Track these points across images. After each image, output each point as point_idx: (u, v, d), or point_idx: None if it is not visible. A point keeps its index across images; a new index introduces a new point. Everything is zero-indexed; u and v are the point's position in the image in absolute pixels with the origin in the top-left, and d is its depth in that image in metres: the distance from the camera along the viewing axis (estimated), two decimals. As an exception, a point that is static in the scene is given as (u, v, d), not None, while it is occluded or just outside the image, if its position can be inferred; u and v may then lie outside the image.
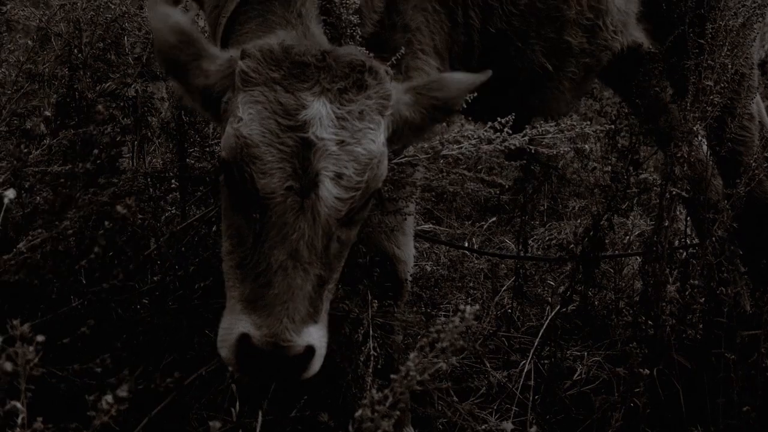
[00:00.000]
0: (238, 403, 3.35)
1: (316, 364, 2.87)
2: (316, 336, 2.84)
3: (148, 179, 3.96)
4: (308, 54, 3.00)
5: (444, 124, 3.65)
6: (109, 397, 2.30)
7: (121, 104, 4.15)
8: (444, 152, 3.64)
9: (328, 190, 2.86)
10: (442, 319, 2.38)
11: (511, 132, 3.51)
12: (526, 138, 3.54)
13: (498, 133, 3.48)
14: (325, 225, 2.88)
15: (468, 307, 2.44)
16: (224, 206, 3.08)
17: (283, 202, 2.84)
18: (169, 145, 4.20)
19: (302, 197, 2.85)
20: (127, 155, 4.15)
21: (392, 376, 2.38)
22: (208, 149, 4.06)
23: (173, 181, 4.04)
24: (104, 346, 3.40)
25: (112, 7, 4.12)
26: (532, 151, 3.64)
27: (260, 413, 3.08)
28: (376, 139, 2.99)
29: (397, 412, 2.37)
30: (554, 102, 4.54)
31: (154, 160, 4.16)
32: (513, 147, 3.56)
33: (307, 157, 2.86)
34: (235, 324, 2.81)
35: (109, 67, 4.20)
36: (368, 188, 2.97)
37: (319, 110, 2.91)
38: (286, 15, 3.31)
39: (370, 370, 3.39)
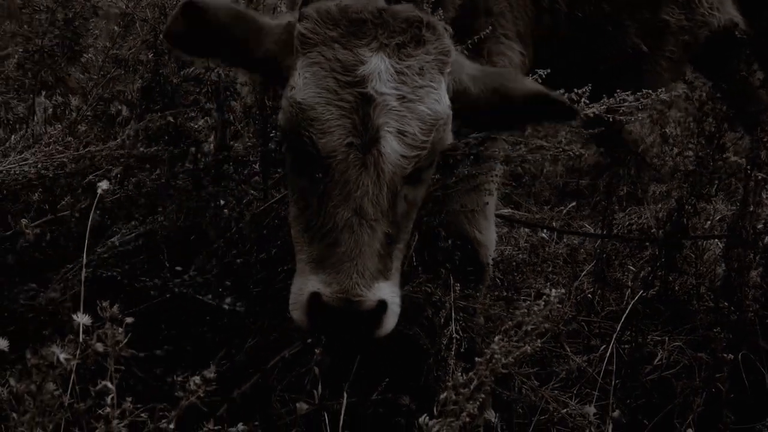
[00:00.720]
0: (320, 386, 3.36)
1: (390, 321, 2.90)
2: (387, 291, 2.87)
3: (231, 164, 4.00)
4: (365, 11, 3.00)
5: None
6: (197, 378, 2.34)
7: (205, 89, 4.18)
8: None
9: (390, 146, 2.87)
10: (525, 302, 2.40)
11: (588, 102, 3.47)
12: (604, 107, 3.49)
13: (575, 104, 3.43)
14: (390, 182, 2.88)
15: (553, 291, 2.45)
16: (289, 173, 3.11)
17: (344, 159, 2.85)
18: (252, 129, 4.24)
19: (364, 153, 2.85)
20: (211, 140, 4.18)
21: (477, 359, 2.39)
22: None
23: (255, 165, 4.07)
24: (191, 332, 3.48)
25: (198, -9, 4.17)
26: (610, 120, 3.58)
27: (345, 395, 3.09)
28: (440, 99, 3.00)
29: (482, 395, 2.39)
30: (651, 84, 4.49)
31: (236, 144, 4.17)
32: (592, 115, 3.52)
33: (367, 112, 2.87)
34: (305, 284, 2.85)
35: (195, 52, 4.25)
36: (434, 149, 2.99)
37: (377, 65, 2.91)
38: None
39: (453, 353, 3.40)
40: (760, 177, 3.95)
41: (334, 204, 2.84)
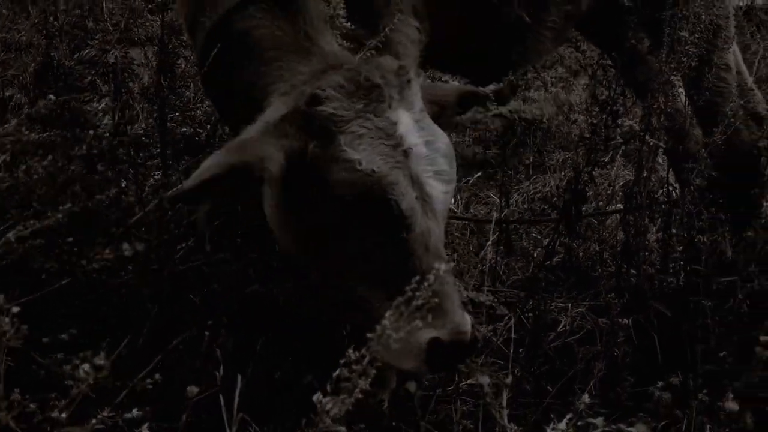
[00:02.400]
0: (222, 367, 3.36)
1: None
2: (468, 317, 3.06)
3: (130, 146, 3.97)
4: (371, 76, 3.08)
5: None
6: (86, 366, 2.32)
7: (101, 71, 4.15)
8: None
9: (434, 188, 3.05)
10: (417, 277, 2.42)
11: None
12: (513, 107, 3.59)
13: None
14: (443, 220, 3.10)
15: (443, 265, 2.48)
16: (345, 245, 3.11)
17: (417, 213, 2.99)
18: (151, 111, 4.21)
19: (422, 202, 3.02)
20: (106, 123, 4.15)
21: (368, 335, 2.41)
22: (188, 113, 4.08)
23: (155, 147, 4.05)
24: (93, 317, 3.45)
25: (89, -28, 4.13)
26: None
27: (239, 377, 3.10)
28: (441, 130, 3.18)
29: (373, 371, 2.41)
30: (535, 52, 4.57)
31: (134, 127, 4.14)
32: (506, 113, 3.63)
33: (409, 165, 3.01)
34: (414, 334, 2.82)
35: (87, 34, 4.21)
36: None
37: (405, 122, 3.06)
38: (297, 41, 3.32)
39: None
40: (652, 143, 4.02)
41: (417, 255, 2.99)
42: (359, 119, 3.02)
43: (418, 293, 2.41)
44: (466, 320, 3.03)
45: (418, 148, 3.04)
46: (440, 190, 3.07)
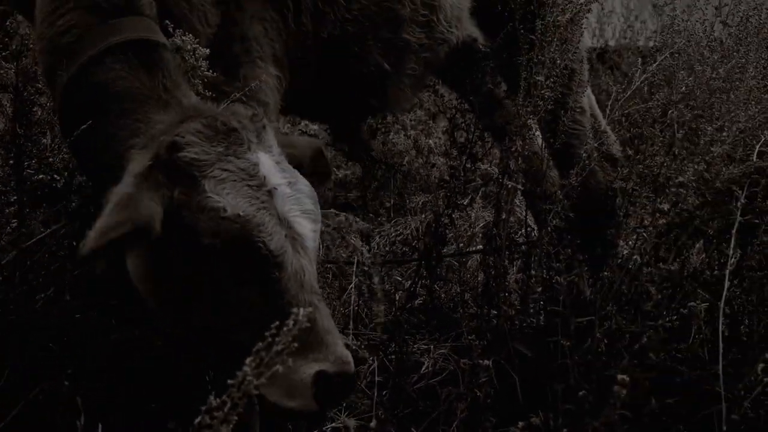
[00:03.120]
0: (82, 416, 3.30)
1: None
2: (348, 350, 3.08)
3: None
4: (228, 121, 3.11)
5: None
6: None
7: (-48, 118, 4.04)
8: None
9: (303, 226, 3.08)
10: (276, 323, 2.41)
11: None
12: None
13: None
14: (314, 258, 3.11)
15: (301, 310, 2.47)
16: (215, 293, 3.08)
17: (288, 252, 3.00)
18: (6, 159, 4.11)
19: (291, 240, 3.03)
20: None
21: (229, 381, 2.39)
22: (45, 161, 3.99)
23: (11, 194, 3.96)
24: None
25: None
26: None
27: (100, 426, 3.05)
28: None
29: (235, 417, 2.39)
30: (394, 99, 4.62)
31: (-13, 173, 4.04)
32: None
33: (274, 205, 3.03)
34: (297, 371, 2.94)
35: (-63, 80, 4.10)
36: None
37: (266, 162, 3.08)
38: (155, 93, 3.29)
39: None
40: (510, 185, 4.08)
41: (291, 294, 3.01)
42: (221, 162, 3.02)
43: (278, 338, 2.40)
44: (348, 352, 3.05)
45: (282, 188, 3.06)
46: (309, 228, 3.10)
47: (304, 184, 3.18)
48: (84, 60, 3.31)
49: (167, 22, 3.46)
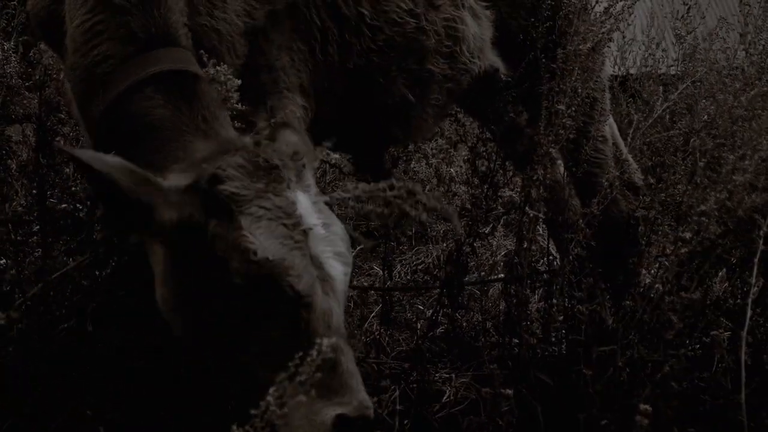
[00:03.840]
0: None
1: None
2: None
3: (9, 225, 3.91)
4: (270, 158, 3.06)
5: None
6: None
7: (-22, 149, 4.08)
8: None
9: (335, 269, 3.01)
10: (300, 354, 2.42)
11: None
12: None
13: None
14: (343, 302, 3.06)
15: (325, 340, 2.47)
16: (247, 325, 3.07)
17: (317, 293, 2.96)
18: (30, 188, 4.15)
19: (322, 282, 2.98)
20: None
21: (252, 411, 2.40)
22: (68, 190, 4.02)
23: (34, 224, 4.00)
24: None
25: (-35, 49, 4.08)
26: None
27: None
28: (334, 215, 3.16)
29: (259, 441, 2.40)
30: (417, 129, 4.64)
31: (13, 203, 4.07)
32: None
33: (308, 245, 2.96)
34: (318, 412, 2.91)
35: (-37, 114, 4.15)
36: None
37: (303, 201, 3.01)
38: (194, 123, 3.27)
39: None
40: (532, 214, 4.09)
41: (319, 333, 2.93)
42: (259, 199, 3.00)
43: (301, 368, 2.41)
44: (368, 398, 3.01)
45: (317, 229, 3.02)
46: (340, 271, 3.05)
47: (339, 226, 3.13)
48: (122, 89, 3.32)
49: (202, 52, 3.48)
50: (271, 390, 2.39)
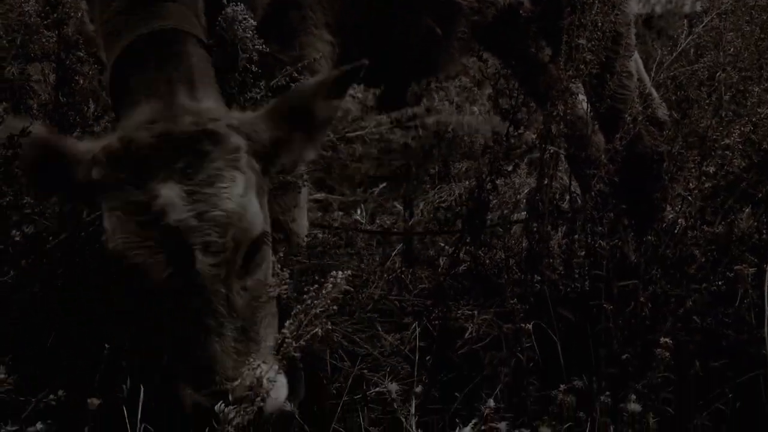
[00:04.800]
0: (128, 381, 3.34)
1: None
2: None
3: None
4: (148, 145, 3.04)
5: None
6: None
7: (-2, 87, 4.09)
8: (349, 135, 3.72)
9: (200, 261, 2.93)
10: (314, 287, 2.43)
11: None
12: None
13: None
14: (214, 291, 2.95)
15: (340, 273, 2.48)
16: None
17: (173, 287, 2.93)
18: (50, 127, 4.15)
19: (185, 275, 2.93)
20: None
21: (268, 344, 2.41)
22: (88, 129, 4.02)
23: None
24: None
25: (-18, -14, 4.07)
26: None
27: (142, 388, 3.10)
28: (231, 196, 3.04)
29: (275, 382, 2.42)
30: (444, 63, 4.62)
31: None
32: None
33: (177, 239, 2.93)
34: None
35: (-17, 50, 4.14)
36: (240, 242, 3.03)
37: (168, 195, 2.95)
38: (157, 81, 3.27)
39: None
40: (552, 150, 4.06)
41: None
42: (116, 191, 3.01)
43: (316, 302, 2.42)
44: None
45: (184, 222, 2.95)
46: (207, 262, 2.96)
47: (221, 210, 3.02)
48: (118, 52, 3.34)
49: None
50: (287, 323, 2.41)
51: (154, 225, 2.93)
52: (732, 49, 4.28)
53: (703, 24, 4.59)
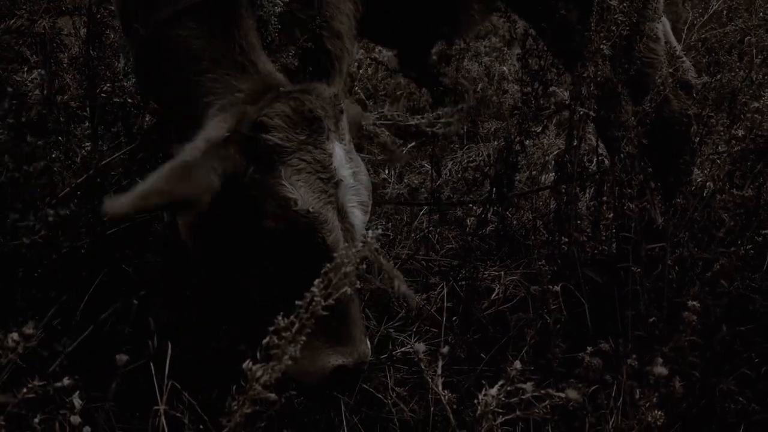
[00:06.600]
0: (155, 338, 3.37)
1: None
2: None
3: (60, 115, 3.92)
4: (315, 108, 3.13)
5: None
6: (14, 335, 2.31)
7: (29, 41, 4.09)
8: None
9: (357, 217, 3.16)
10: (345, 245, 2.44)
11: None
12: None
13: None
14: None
15: (370, 232, 2.49)
16: (258, 272, 3.16)
17: (340, 245, 3.06)
18: (80, 81, 4.16)
19: (345, 233, 3.13)
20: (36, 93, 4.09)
21: (297, 302, 2.42)
22: (118, 83, 4.03)
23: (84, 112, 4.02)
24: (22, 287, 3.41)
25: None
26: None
27: (169, 345, 3.13)
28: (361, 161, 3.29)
29: (303, 338, 2.42)
30: (465, 24, 4.60)
31: (64, 96, 4.09)
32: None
33: (337, 197, 3.11)
34: (320, 357, 3.09)
35: (14, 3, 4.15)
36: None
37: (338, 153, 3.14)
38: (230, 54, 3.30)
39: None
40: (582, 111, 4.04)
41: (335, 285, 2.93)
42: (300, 151, 3.08)
43: (346, 260, 2.43)
44: (369, 349, 3.20)
45: (347, 180, 3.14)
46: (360, 219, 3.18)
47: (364, 174, 3.26)
48: (162, 18, 3.33)
49: None
50: (316, 281, 2.41)
51: (331, 182, 3.10)
52: (763, 12, 4.24)
53: (736, -15, 4.55)
